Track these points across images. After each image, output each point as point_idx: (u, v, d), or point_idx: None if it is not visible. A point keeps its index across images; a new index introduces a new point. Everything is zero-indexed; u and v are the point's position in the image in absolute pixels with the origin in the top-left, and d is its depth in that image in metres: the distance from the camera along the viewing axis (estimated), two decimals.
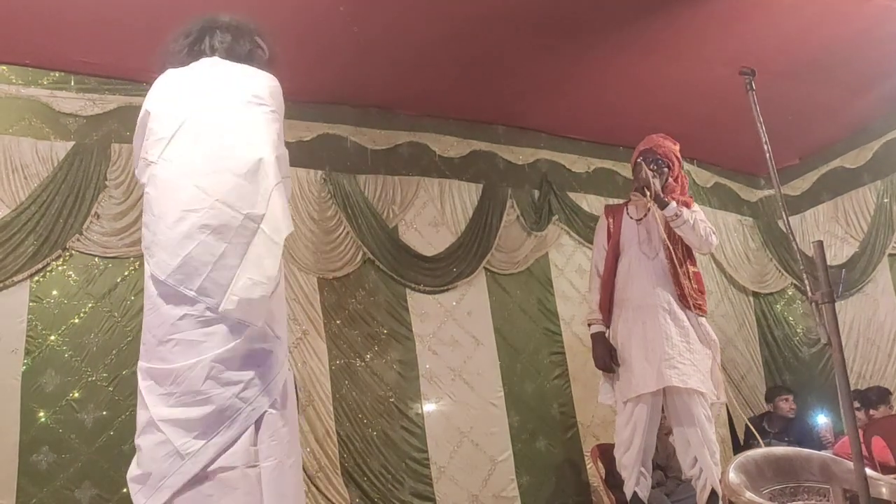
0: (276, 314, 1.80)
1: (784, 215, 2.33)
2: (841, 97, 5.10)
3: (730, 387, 5.35)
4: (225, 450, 1.62)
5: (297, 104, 4.31)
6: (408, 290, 4.62)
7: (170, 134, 1.79)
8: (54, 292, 3.70)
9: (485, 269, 4.88)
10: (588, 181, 5.53)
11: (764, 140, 2.07)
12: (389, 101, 4.78)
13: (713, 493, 3.27)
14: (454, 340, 4.66)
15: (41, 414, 3.51)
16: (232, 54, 1.99)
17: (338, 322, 4.35)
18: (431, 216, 4.86)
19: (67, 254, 3.76)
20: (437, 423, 4.46)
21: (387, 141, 4.81)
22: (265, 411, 1.69)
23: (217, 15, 2.06)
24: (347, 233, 4.49)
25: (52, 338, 3.63)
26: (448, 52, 4.19)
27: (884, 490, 2.00)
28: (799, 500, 2.08)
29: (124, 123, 3.96)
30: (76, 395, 3.60)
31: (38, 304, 3.64)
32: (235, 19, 2.06)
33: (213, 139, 1.77)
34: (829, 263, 1.84)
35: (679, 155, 3.68)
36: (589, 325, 3.73)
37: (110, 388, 3.67)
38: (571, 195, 5.38)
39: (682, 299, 3.46)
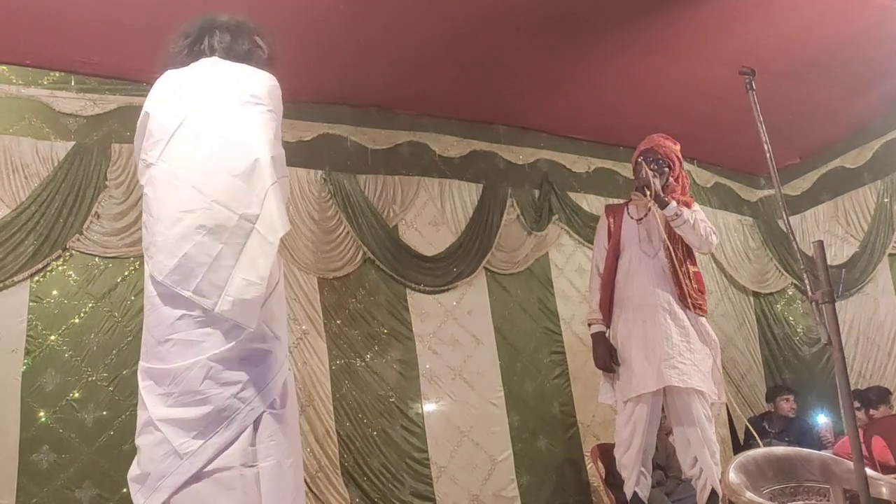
0: (275, 314, 1.79)
1: (784, 215, 2.33)
2: (841, 97, 5.10)
3: (730, 386, 5.36)
4: (223, 450, 1.62)
5: (297, 104, 4.31)
6: (408, 290, 4.62)
7: (168, 135, 1.79)
8: (54, 292, 3.70)
9: (485, 268, 4.88)
10: (588, 181, 5.53)
11: (764, 140, 2.07)
12: (389, 101, 4.78)
13: (713, 492, 3.27)
14: (454, 340, 4.66)
15: (41, 414, 3.51)
16: (231, 54, 1.99)
17: (338, 322, 4.35)
18: (432, 216, 4.86)
19: (68, 254, 3.76)
20: (438, 422, 4.46)
21: (387, 141, 4.82)
22: (264, 411, 1.69)
23: (216, 15, 2.05)
24: (348, 232, 4.49)
25: (53, 338, 3.63)
26: (448, 52, 4.19)
27: (884, 490, 2.00)
28: (799, 500, 2.08)
29: (124, 123, 3.96)
30: (76, 394, 3.61)
31: (38, 304, 3.64)
32: (235, 19, 2.06)
33: (211, 140, 1.77)
34: (829, 263, 1.83)
35: (679, 155, 3.68)
36: (589, 324, 3.74)
37: (110, 388, 3.67)
38: (572, 195, 5.38)
39: (683, 299, 3.46)
